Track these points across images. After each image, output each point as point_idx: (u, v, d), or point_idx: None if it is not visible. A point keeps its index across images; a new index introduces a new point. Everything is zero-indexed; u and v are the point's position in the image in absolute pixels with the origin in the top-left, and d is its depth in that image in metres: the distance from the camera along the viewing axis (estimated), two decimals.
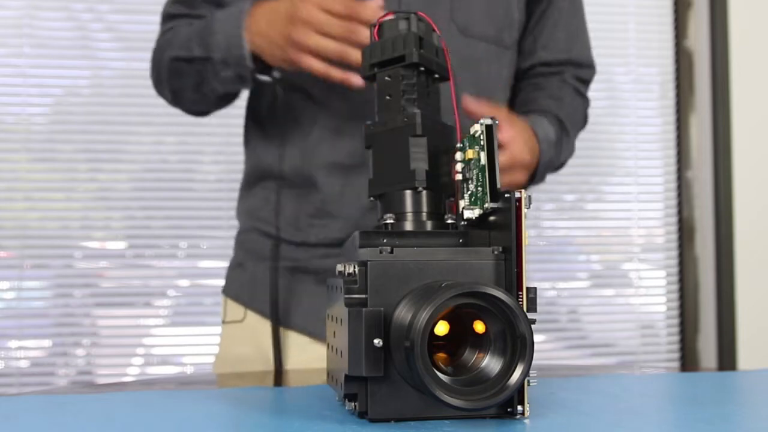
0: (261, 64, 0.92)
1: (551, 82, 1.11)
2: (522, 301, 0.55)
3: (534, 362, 0.53)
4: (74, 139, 2.01)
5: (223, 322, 1.09)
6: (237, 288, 1.06)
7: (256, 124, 1.07)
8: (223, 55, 0.92)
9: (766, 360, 2.20)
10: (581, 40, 1.15)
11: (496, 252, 0.56)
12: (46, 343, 1.98)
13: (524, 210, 0.55)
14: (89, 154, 2.02)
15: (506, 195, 0.56)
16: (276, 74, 0.93)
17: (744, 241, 2.25)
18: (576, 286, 2.28)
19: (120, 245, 2.04)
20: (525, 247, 0.55)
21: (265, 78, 0.93)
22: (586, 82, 1.16)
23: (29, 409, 0.62)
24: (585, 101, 1.17)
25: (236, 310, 1.05)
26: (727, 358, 2.23)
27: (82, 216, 2.02)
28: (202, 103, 1.04)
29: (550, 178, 2.37)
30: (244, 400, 0.65)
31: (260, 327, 1.01)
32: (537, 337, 0.53)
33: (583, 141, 2.22)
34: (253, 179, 1.07)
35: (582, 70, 1.15)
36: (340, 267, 0.58)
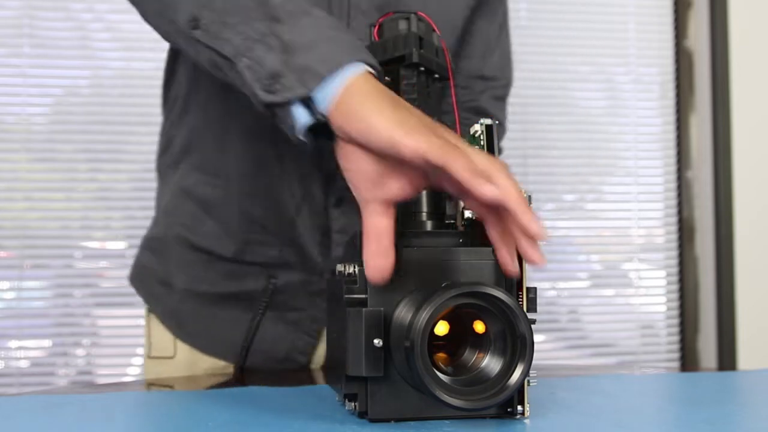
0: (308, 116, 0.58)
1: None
2: (522, 301, 0.55)
3: (534, 362, 0.53)
4: (74, 139, 2.01)
5: (148, 356, 0.94)
6: (163, 308, 0.92)
7: (197, 88, 0.88)
8: (286, 38, 0.58)
9: (766, 360, 2.20)
10: (497, 54, 0.99)
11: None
12: (46, 343, 1.98)
13: None
14: (89, 154, 2.02)
15: None
16: (320, 141, 0.59)
17: (744, 241, 2.25)
18: (576, 286, 2.28)
19: (120, 245, 2.04)
20: None
21: (291, 131, 0.59)
22: (502, 99, 1.01)
23: (29, 409, 0.62)
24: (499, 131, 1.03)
25: (164, 339, 0.92)
26: (727, 358, 2.23)
27: (82, 216, 2.02)
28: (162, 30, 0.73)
29: (550, 178, 2.36)
30: (244, 400, 0.65)
31: (197, 361, 0.89)
32: (537, 337, 0.53)
33: (583, 141, 2.23)
34: (183, 161, 0.89)
35: (494, 83, 0.99)
36: (340, 267, 0.58)
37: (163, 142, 0.94)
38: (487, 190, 0.49)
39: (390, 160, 0.53)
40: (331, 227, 0.86)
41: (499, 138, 0.99)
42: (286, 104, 0.57)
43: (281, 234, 0.86)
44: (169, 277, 0.91)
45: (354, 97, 0.54)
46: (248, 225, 0.87)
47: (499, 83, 1.00)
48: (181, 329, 0.90)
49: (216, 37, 0.62)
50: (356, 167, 0.55)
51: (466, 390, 0.51)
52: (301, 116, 0.57)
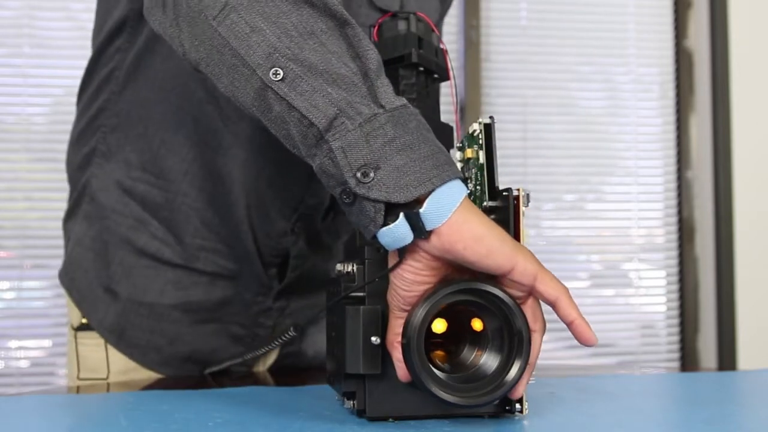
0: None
1: None
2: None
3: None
4: None
5: (77, 378, 0.86)
6: (102, 317, 0.85)
7: (151, 68, 0.81)
8: (390, 132, 0.52)
9: (766, 360, 2.20)
10: None
11: None
12: (46, 343, 1.98)
13: (522, 208, 0.55)
14: None
15: (504, 193, 0.56)
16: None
17: (744, 241, 2.24)
18: (576, 286, 2.28)
19: None
20: (524, 244, 0.55)
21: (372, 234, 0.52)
22: None
23: (29, 409, 0.62)
24: None
25: (95, 359, 0.85)
26: (727, 358, 2.23)
27: None
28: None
29: (550, 178, 2.36)
30: (244, 400, 0.65)
31: (132, 375, 0.83)
32: None
33: (583, 141, 2.23)
34: (116, 154, 0.83)
35: None
36: (339, 266, 0.58)
37: (84, 129, 0.87)
38: (593, 338, 0.55)
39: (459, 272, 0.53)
40: (289, 252, 0.85)
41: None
42: (379, 202, 0.50)
43: (236, 246, 0.82)
44: (113, 284, 0.84)
45: (470, 219, 0.50)
46: (200, 230, 0.82)
47: None
48: (121, 340, 0.84)
49: (304, 99, 0.52)
50: (424, 281, 0.52)
51: (463, 387, 0.52)
52: (401, 227, 0.50)
